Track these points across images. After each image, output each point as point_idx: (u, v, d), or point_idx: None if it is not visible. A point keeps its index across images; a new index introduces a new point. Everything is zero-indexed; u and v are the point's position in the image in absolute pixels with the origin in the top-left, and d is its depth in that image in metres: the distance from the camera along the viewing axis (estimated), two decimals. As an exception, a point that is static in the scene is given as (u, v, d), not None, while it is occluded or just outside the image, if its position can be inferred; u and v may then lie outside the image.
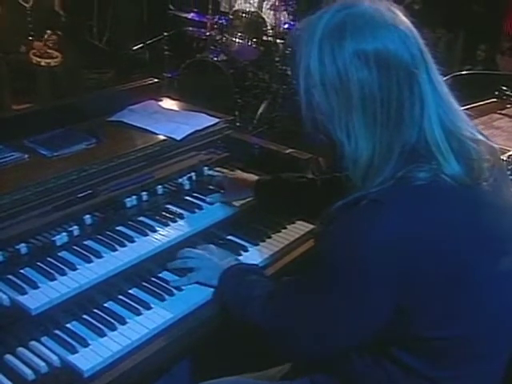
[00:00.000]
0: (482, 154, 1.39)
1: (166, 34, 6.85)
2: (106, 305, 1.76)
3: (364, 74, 1.32)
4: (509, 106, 3.17)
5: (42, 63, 5.59)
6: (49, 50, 5.67)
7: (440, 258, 1.31)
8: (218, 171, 2.36)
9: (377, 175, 1.34)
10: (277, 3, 6.28)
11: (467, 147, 1.37)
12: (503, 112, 3.08)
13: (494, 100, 3.21)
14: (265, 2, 6.46)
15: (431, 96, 1.35)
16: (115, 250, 1.86)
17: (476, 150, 1.38)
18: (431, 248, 1.30)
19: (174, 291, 1.81)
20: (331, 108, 1.37)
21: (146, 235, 1.94)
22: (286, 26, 6.33)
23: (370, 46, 1.32)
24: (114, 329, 1.66)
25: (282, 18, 6.31)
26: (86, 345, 1.60)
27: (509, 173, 2.23)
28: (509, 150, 2.49)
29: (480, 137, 1.43)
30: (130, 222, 2.00)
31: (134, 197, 2.08)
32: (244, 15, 6.17)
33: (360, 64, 1.32)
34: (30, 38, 5.71)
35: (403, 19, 1.37)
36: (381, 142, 1.34)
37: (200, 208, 2.12)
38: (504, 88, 3.26)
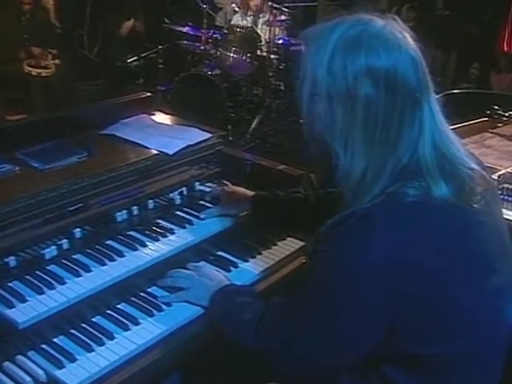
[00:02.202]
0: (475, 179, 1.41)
1: (160, 47, 6.87)
2: (94, 319, 1.75)
3: (372, 93, 1.33)
4: (500, 124, 3.18)
5: (33, 73, 5.60)
6: (43, 62, 5.70)
7: (430, 276, 1.31)
8: (209, 186, 2.36)
9: (367, 192, 1.36)
10: (271, 19, 6.32)
11: (460, 171, 1.38)
12: (494, 131, 3.09)
13: (486, 119, 3.22)
14: (260, 18, 6.50)
15: (429, 123, 1.37)
16: (104, 264, 1.85)
17: (469, 174, 1.40)
18: (421, 265, 1.30)
19: (163, 306, 1.80)
20: (333, 119, 1.38)
21: (136, 250, 1.93)
22: (281, 41, 6.37)
23: (383, 66, 1.33)
24: (101, 344, 1.65)
25: (277, 34, 6.34)
26: (73, 360, 1.59)
27: (499, 192, 2.25)
28: (500, 169, 2.50)
29: (474, 166, 1.44)
30: (120, 237, 1.99)
31: (125, 211, 2.08)
32: (239, 30, 6.20)
33: (370, 82, 1.33)
34: (26, 48, 5.74)
35: (412, 42, 1.39)
36: (376, 158, 1.35)
37: (191, 223, 2.12)
38: (495, 107, 3.28)
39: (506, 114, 3.23)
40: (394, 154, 1.35)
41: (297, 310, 1.47)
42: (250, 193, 2.19)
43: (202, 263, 1.99)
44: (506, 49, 6.46)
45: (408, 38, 1.39)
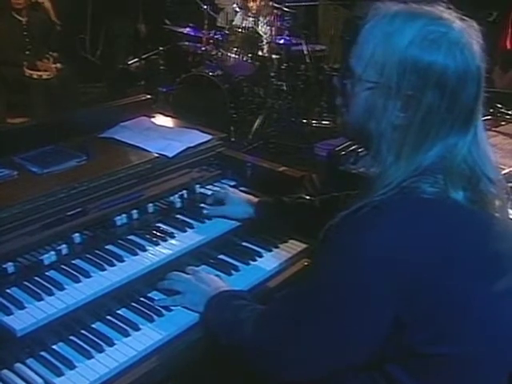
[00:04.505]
0: (498, 193, 1.39)
1: (161, 48, 6.86)
2: (93, 326, 1.73)
3: (436, 99, 1.31)
4: (503, 123, 3.15)
5: (34, 76, 5.61)
6: (44, 65, 5.70)
7: (437, 272, 1.29)
8: (209, 189, 2.34)
9: (385, 185, 1.34)
10: (273, 19, 6.30)
11: (484, 185, 1.36)
12: (497, 129, 3.06)
13: (489, 117, 3.19)
14: (261, 18, 6.48)
15: (470, 139, 1.35)
16: (104, 269, 1.83)
17: (491, 190, 1.37)
18: (428, 262, 1.28)
19: (163, 312, 1.77)
20: (388, 114, 1.35)
21: (136, 254, 1.91)
22: (282, 41, 6.36)
23: (456, 71, 1.30)
24: (101, 350, 1.62)
25: (278, 34, 6.33)
26: (72, 367, 1.56)
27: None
28: (504, 168, 2.47)
29: (503, 181, 1.43)
30: (119, 241, 1.97)
31: (125, 215, 2.05)
32: (240, 30, 6.18)
33: (438, 88, 1.30)
34: (28, 52, 5.74)
35: (481, 53, 1.36)
36: (415, 161, 1.34)
37: (191, 227, 2.09)
38: (498, 105, 3.25)
39: (510, 113, 3.21)
40: (424, 154, 1.34)
41: (300, 299, 1.44)
42: (254, 198, 2.17)
43: (200, 268, 1.96)
44: (509, 46, 6.43)
45: (479, 48, 1.36)
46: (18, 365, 1.57)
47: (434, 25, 1.34)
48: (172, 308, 1.79)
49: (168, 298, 1.81)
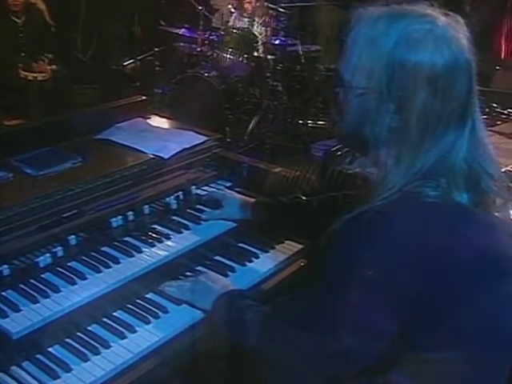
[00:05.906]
0: (499, 191, 1.39)
1: (156, 49, 6.85)
2: (89, 328, 1.72)
3: (428, 98, 1.31)
4: (499, 122, 3.16)
5: (29, 77, 5.59)
6: (39, 66, 5.70)
7: (442, 278, 1.29)
8: (205, 190, 2.33)
9: (387, 189, 1.34)
10: (268, 19, 6.29)
11: (485, 185, 1.36)
12: (494, 129, 3.06)
13: (485, 117, 3.18)
14: (256, 18, 6.48)
15: (469, 134, 1.35)
16: (100, 271, 1.83)
17: (492, 188, 1.37)
18: (434, 267, 1.28)
19: (160, 313, 1.77)
20: (382, 119, 1.36)
21: (132, 256, 1.91)
22: (277, 41, 6.36)
23: (445, 67, 1.30)
24: (97, 353, 1.62)
25: (273, 34, 6.33)
26: (68, 370, 1.56)
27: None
28: (501, 167, 2.47)
29: (503, 176, 1.42)
30: (115, 243, 1.97)
31: (120, 217, 2.05)
32: (235, 31, 6.17)
33: (429, 86, 1.30)
34: (23, 53, 5.73)
35: (469, 46, 1.36)
36: (416, 164, 1.34)
37: (187, 228, 2.09)
38: (494, 105, 3.25)
39: (505, 112, 3.21)
40: (424, 156, 1.33)
41: (307, 304, 1.44)
42: (250, 199, 2.17)
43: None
44: (503, 56, 6.47)
45: (466, 41, 1.36)
46: (14, 368, 1.57)
47: (417, 23, 1.33)
48: (168, 309, 1.79)
49: (177, 290, 1.81)
